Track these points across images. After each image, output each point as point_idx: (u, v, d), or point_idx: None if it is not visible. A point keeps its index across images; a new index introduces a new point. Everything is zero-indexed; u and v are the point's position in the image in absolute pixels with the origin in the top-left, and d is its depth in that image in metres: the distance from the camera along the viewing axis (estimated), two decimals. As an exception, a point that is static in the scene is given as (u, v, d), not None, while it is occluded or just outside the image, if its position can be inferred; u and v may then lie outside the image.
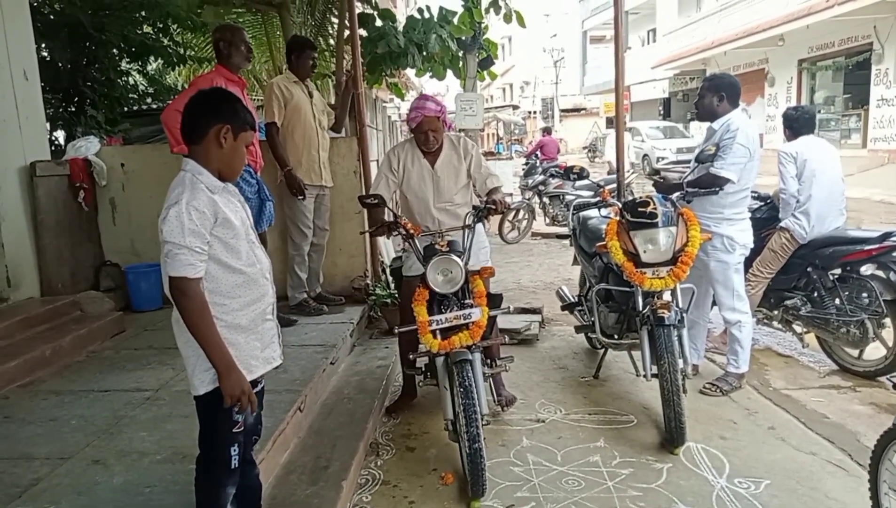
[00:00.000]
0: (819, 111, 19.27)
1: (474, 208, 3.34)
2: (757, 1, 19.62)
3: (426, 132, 3.38)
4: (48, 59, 6.20)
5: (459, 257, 3.01)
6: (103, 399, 3.29)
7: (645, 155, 21.39)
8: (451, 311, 2.99)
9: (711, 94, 3.81)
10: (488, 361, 3.40)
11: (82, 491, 2.40)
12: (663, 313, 3.22)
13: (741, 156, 3.63)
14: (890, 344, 4.04)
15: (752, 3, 19.85)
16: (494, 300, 3.20)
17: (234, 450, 2.01)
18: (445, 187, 3.51)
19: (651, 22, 29.01)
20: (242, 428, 2.02)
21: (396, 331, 3.27)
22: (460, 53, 9.34)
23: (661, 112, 28.87)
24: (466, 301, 3.06)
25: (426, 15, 8.11)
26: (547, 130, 15.88)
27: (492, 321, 3.36)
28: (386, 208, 3.31)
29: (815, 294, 4.30)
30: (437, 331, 2.95)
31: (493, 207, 3.27)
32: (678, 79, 26.61)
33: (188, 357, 1.97)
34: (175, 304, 1.89)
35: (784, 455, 3.17)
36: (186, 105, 2.02)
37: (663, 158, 20.35)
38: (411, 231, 3.18)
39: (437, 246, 3.03)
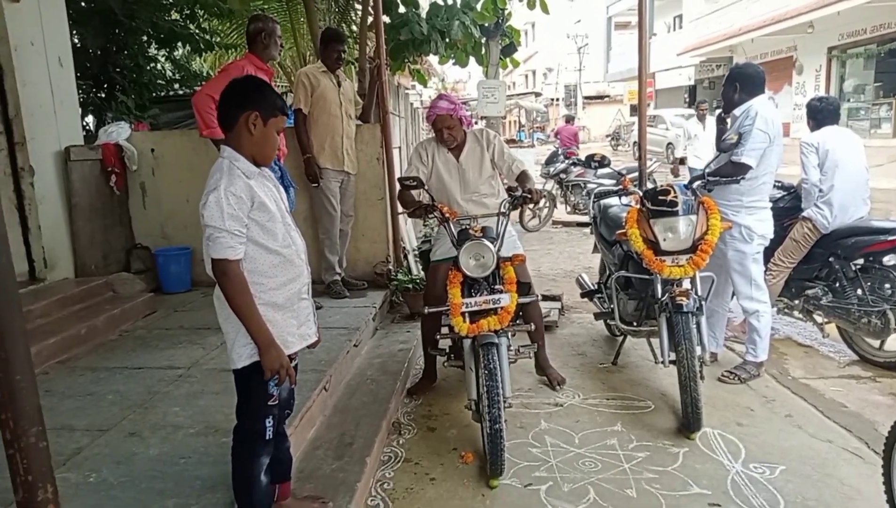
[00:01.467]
0: (849, 100, 18.95)
1: (510, 194, 3.43)
2: (786, -13, 19.27)
3: (441, 130, 3.58)
4: (79, 45, 6.33)
5: (492, 242, 3.09)
6: (137, 376, 3.42)
7: (669, 143, 21.17)
8: (481, 295, 3.07)
9: (729, 85, 3.84)
10: (535, 345, 3.63)
11: (121, 461, 2.52)
12: (682, 300, 3.26)
13: (761, 141, 3.64)
14: (911, 336, 4.04)
15: (782, -11, 19.50)
16: (523, 288, 3.29)
17: (269, 422, 2.11)
18: (471, 179, 3.66)
19: (677, 8, 28.62)
20: (277, 401, 2.12)
21: (425, 310, 3.37)
22: (483, 40, 9.34)
23: (687, 100, 28.52)
24: (497, 287, 3.14)
25: (449, 1, 8.11)
26: (569, 119, 15.84)
27: (535, 311, 3.60)
28: (423, 191, 3.42)
29: (837, 284, 4.29)
30: (467, 314, 3.02)
31: (529, 196, 3.38)
32: (704, 66, 26.27)
33: (228, 333, 2.07)
34: (218, 284, 1.98)
35: (800, 443, 3.21)
36: (221, 94, 2.11)
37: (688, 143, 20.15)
38: (447, 215, 3.28)
39: (471, 231, 3.11)
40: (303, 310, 2.21)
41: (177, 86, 8.09)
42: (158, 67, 7.74)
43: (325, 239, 4.93)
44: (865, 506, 2.62)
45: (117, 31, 6.58)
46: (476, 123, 7.82)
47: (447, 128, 3.58)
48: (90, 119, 6.94)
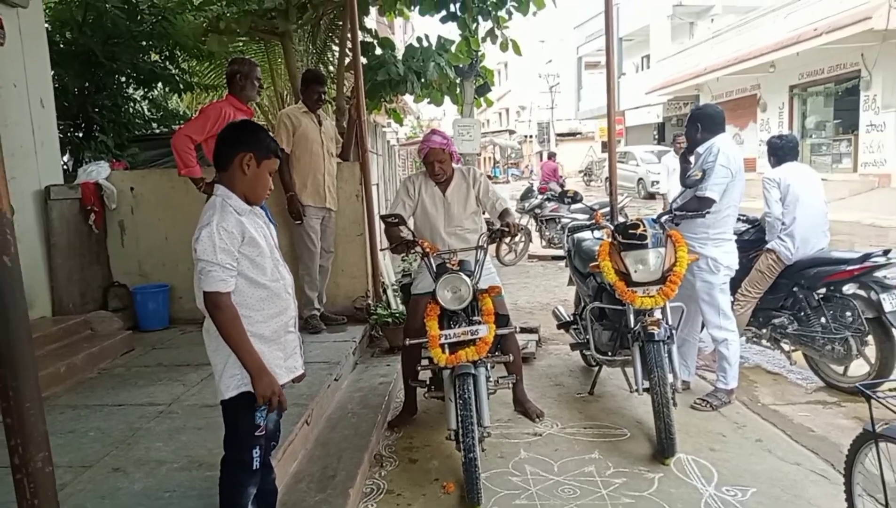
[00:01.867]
0: (811, 136, 19.67)
1: (488, 229, 3.55)
2: (748, 29, 20.10)
3: (432, 163, 3.69)
4: (58, 86, 6.39)
5: (469, 276, 3.20)
6: (118, 413, 3.43)
7: (640, 179, 21.70)
8: (459, 327, 3.16)
9: (691, 125, 4.08)
10: (513, 375, 3.70)
11: (105, 496, 2.53)
12: (653, 329, 3.38)
13: (723, 176, 3.83)
14: (873, 361, 4.21)
15: (744, 31, 20.32)
16: (501, 320, 3.39)
17: (256, 452, 2.16)
18: (456, 213, 3.78)
19: (645, 48, 29.57)
20: (264, 432, 2.18)
21: (405, 342, 3.44)
22: (457, 80, 9.60)
23: (656, 137, 29.29)
24: (475, 318, 3.23)
25: (425, 44, 8.35)
26: (550, 155, 16.29)
27: (512, 342, 3.67)
28: (404, 228, 3.53)
29: (802, 313, 4.47)
30: (446, 345, 3.11)
31: (507, 229, 3.52)
32: (672, 104, 27.06)
33: (216, 365, 2.14)
34: (210, 316, 2.06)
35: (770, 466, 3.32)
36: (218, 135, 2.22)
37: (657, 183, 20.66)
38: (427, 250, 3.38)
39: (448, 264, 3.22)
40: (289, 343, 2.28)
41: (154, 125, 8.16)
42: (137, 106, 7.80)
43: (305, 275, 4.99)
44: (832, 524, 2.72)
45: (96, 71, 6.65)
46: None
47: (439, 162, 3.69)
48: (67, 158, 6.97)
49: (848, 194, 15.83)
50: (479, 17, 8.08)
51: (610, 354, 3.98)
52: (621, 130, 32.12)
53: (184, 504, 2.47)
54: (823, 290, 4.38)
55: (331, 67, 8.88)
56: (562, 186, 12.75)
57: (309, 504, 2.78)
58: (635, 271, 3.56)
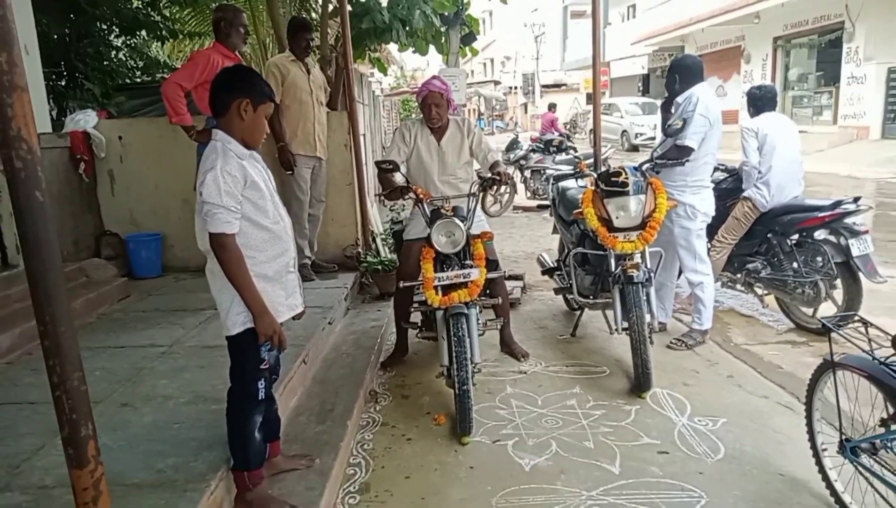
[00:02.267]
0: (793, 88, 19.78)
1: (479, 177, 3.67)
2: (734, -22, 19.94)
3: (430, 106, 3.76)
4: (40, 32, 6.30)
5: (462, 221, 3.33)
6: (121, 354, 3.56)
7: (624, 131, 21.74)
8: (452, 270, 3.31)
9: (670, 76, 4.20)
10: (501, 318, 3.86)
11: (117, 428, 2.68)
12: (632, 272, 3.56)
13: (702, 126, 3.96)
14: (840, 303, 4.44)
15: (730, -19, 20.16)
16: (491, 265, 3.54)
17: (261, 384, 2.32)
18: (450, 162, 3.89)
19: (631, -3, 29.22)
20: (268, 366, 2.33)
21: (399, 285, 3.59)
22: (443, 29, 9.52)
23: (641, 88, 29.20)
24: (467, 262, 3.38)
25: (411, -9, 8.27)
26: (550, 106, 16.40)
27: (501, 286, 3.82)
28: (398, 174, 3.63)
29: (775, 258, 4.67)
30: (439, 287, 3.26)
31: (498, 177, 3.64)
32: (657, 55, 26.94)
33: (221, 303, 2.26)
34: (216, 256, 2.15)
35: (740, 399, 3.56)
36: (213, 81, 2.28)
37: (641, 134, 20.76)
38: (421, 196, 3.50)
39: (443, 210, 3.34)
40: (290, 282, 2.40)
41: (138, 73, 8.07)
42: (120, 55, 7.71)
43: (295, 224, 5.05)
44: (794, 449, 2.95)
45: (78, 18, 6.56)
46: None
47: (436, 105, 3.77)
48: (51, 106, 6.91)
49: (827, 146, 16.06)
50: (466, -36, 7.99)
51: (592, 297, 4.17)
52: (606, 81, 31.97)
53: (192, 434, 2.62)
54: (796, 236, 4.58)
55: (314, 14, 8.77)
56: (566, 136, 12.75)
57: (310, 434, 2.96)
58: (617, 218, 3.71)
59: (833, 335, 2.48)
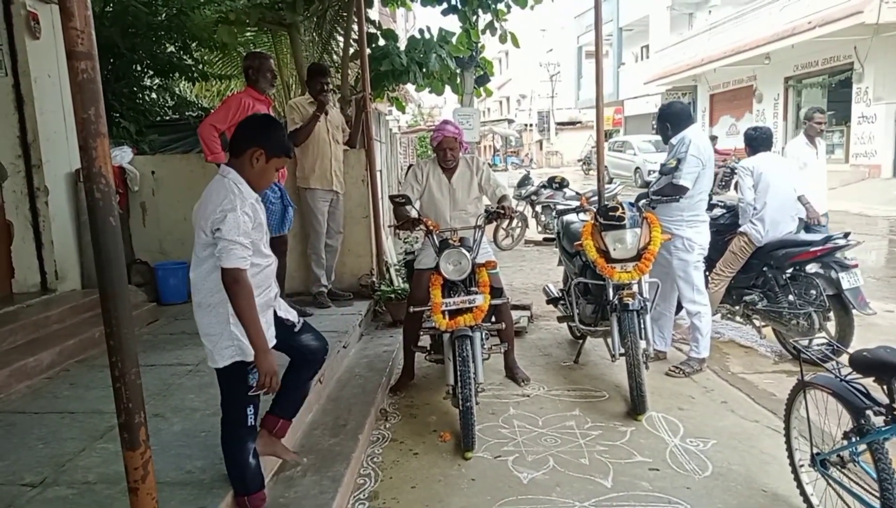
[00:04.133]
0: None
1: (486, 211, 3.95)
2: (745, 20, 20.40)
3: (445, 150, 4.06)
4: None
5: (468, 250, 3.61)
6: (151, 372, 3.84)
7: (637, 168, 22.03)
8: (458, 296, 3.58)
9: (660, 123, 4.51)
10: (505, 343, 4.15)
11: (150, 435, 2.92)
12: (628, 300, 3.80)
13: (695, 166, 4.23)
14: (833, 334, 4.62)
15: (740, 23, 20.63)
16: (496, 292, 3.81)
17: (250, 410, 2.43)
18: (460, 198, 4.17)
19: (644, 39, 29.83)
20: (257, 394, 2.43)
21: (409, 310, 3.86)
22: (458, 71, 9.96)
23: (654, 126, 29.53)
24: (472, 289, 3.64)
25: (426, 35, 8.70)
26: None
27: (505, 313, 4.09)
28: (411, 207, 3.92)
29: (771, 291, 4.88)
30: (446, 312, 3.52)
31: (503, 211, 3.92)
32: (670, 94, 27.34)
33: (211, 336, 2.36)
34: (228, 291, 2.24)
35: (731, 422, 3.75)
36: (238, 124, 2.52)
37: (654, 172, 20.98)
38: (431, 227, 3.78)
39: (450, 241, 3.63)
40: (269, 317, 2.52)
41: (168, 111, 8.53)
42: (153, 94, 8.18)
43: (312, 254, 5.40)
44: (777, 468, 3.13)
45: (116, 61, 7.02)
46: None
47: (450, 149, 4.07)
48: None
49: (839, 183, 16.18)
50: (479, 10, 8.43)
51: (593, 325, 4.40)
52: (620, 119, 32.45)
53: (217, 441, 2.83)
54: (790, 270, 4.78)
55: (335, 57, 9.24)
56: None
57: (324, 446, 3.20)
58: (614, 249, 3.96)
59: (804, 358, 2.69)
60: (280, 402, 2.78)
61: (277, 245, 4.74)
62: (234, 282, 2.22)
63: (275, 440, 2.82)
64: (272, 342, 2.50)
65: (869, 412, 2.31)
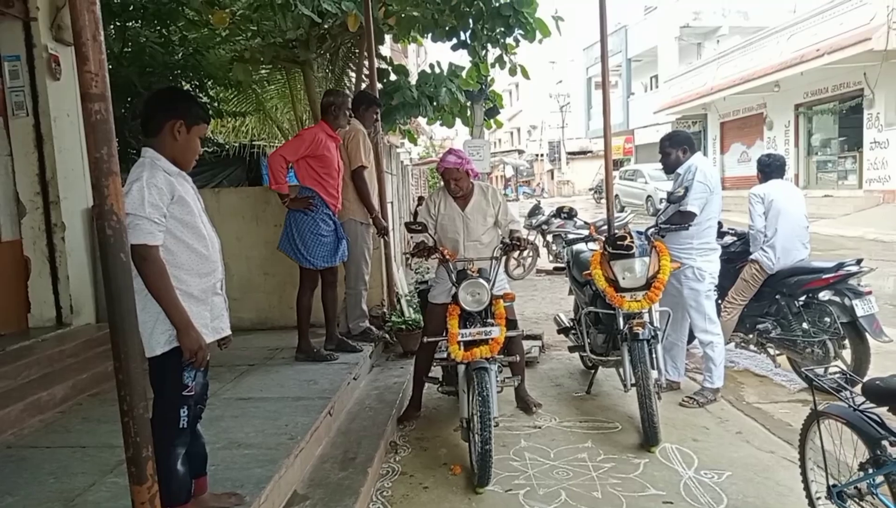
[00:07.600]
0: (817, 153, 19.99)
1: (502, 243, 3.95)
2: (753, 49, 20.53)
3: (448, 180, 4.04)
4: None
5: (487, 282, 3.61)
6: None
7: (648, 196, 22.02)
8: (475, 327, 3.57)
9: (675, 148, 4.46)
10: (518, 377, 4.14)
11: (160, 469, 2.95)
12: (638, 330, 3.78)
13: (702, 192, 4.24)
14: (849, 362, 4.56)
15: (749, 52, 20.76)
16: (511, 324, 3.81)
17: (184, 411, 2.26)
18: (474, 228, 4.08)
19: (653, 69, 30.04)
20: (192, 393, 2.29)
21: (423, 340, 3.88)
22: (468, 104, 10.10)
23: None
24: (489, 320, 3.64)
25: (437, 70, 8.86)
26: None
27: (518, 345, 4.05)
28: (427, 235, 3.91)
29: (784, 319, 4.83)
30: (462, 343, 3.51)
31: (518, 243, 3.92)
32: (680, 123, 27.40)
33: (145, 322, 2.14)
34: (137, 269, 2.06)
35: (746, 453, 3.69)
36: (147, 101, 2.42)
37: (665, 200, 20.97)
38: (447, 257, 3.79)
39: (468, 271, 3.63)
40: (217, 305, 2.38)
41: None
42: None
43: (362, 289, 5.26)
44: (794, 499, 3.07)
45: (132, 99, 7.19)
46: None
47: (454, 179, 4.04)
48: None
49: (853, 210, 16.10)
50: (488, 45, 8.56)
51: (604, 355, 4.37)
52: (631, 148, 32.56)
53: (227, 475, 2.87)
54: (803, 297, 4.74)
55: (348, 93, 9.41)
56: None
57: (333, 480, 3.18)
58: (623, 278, 3.96)
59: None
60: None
61: (326, 276, 4.78)
62: (141, 259, 2.08)
63: (202, 499, 2.55)
64: (224, 332, 2.42)
65: (885, 442, 2.27)
